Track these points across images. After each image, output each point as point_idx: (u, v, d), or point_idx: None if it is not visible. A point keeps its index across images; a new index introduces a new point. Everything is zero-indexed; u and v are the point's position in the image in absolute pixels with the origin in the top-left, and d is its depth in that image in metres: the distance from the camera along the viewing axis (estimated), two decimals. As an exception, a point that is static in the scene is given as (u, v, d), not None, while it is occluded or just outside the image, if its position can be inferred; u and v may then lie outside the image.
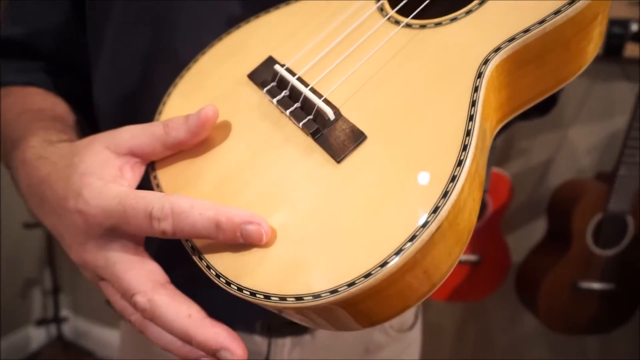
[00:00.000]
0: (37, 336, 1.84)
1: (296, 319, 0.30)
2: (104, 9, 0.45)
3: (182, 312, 0.29)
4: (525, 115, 0.52)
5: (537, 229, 1.31)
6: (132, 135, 0.34)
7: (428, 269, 0.28)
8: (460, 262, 1.23)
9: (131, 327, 0.55)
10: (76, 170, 0.33)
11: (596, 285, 1.17)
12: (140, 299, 0.30)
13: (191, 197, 0.30)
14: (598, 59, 1.31)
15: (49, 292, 1.82)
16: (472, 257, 1.24)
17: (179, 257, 0.34)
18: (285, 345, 0.53)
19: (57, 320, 1.82)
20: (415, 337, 0.64)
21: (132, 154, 0.34)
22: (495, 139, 0.35)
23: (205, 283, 0.31)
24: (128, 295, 0.30)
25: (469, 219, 0.29)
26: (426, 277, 0.28)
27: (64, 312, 1.89)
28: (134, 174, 0.34)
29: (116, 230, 0.31)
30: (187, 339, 0.29)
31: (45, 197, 0.34)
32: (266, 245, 0.29)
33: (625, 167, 1.09)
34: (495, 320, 1.47)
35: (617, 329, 1.24)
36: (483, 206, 1.20)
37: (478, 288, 1.28)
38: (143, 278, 0.30)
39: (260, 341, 0.53)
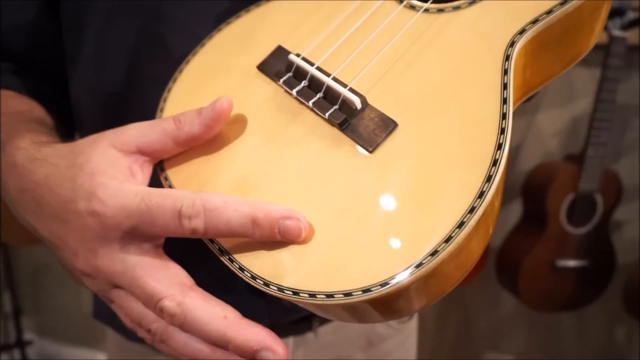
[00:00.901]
0: (1, 363, 1.73)
1: (331, 315, 0.29)
2: (84, 2, 0.42)
3: (217, 314, 0.27)
4: None
5: (512, 212, 1.35)
6: (140, 132, 0.31)
7: (469, 253, 0.27)
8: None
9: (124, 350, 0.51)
10: (83, 171, 0.30)
11: (572, 263, 1.21)
12: (168, 304, 0.27)
13: (223, 194, 0.28)
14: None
15: (10, 316, 1.72)
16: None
17: (187, 261, 0.32)
18: (288, 344, 0.52)
19: (21, 344, 1.72)
20: (413, 327, 0.64)
21: (141, 152, 0.32)
22: None
23: (215, 286, 0.30)
24: (154, 301, 0.28)
25: (499, 201, 0.29)
26: (466, 261, 0.28)
27: (28, 335, 1.78)
28: (144, 174, 0.32)
29: (136, 232, 0.29)
30: (224, 343, 0.27)
31: (43, 202, 0.31)
32: (304, 242, 0.28)
33: (593, 147, 1.14)
34: (475, 305, 1.50)
35: (590, 304, 1.29)
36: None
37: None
38: (169, 281, 0.28)
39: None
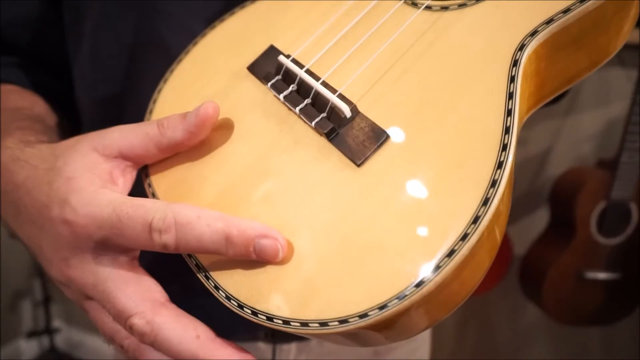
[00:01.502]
0: (29, 349, 1.80)
1: (315, 339, 0.27)
2: (79, 3, 0.42)
3: (189, 333, 0.26)
4: None
5: (539, 219, 1.30)
6: (123, 135, 0.30)
7: (462, 281, 0.25)
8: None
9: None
10: (60, 174, 0.29)
11: (601, 275, 1.15)
12: (138, 322, 0.26)
13: (198, 206, 0.26)
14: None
15: (40, 303, 1.78)
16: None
17: (175, 266, 0.31)
18: (290, 351, 0.51)
19: (49, 331, 1.78)
20: (425, 337, 0.62)
21: (123, 156, 0.30)
22: None
23: (205, 291, 0.28)
24: (123, 317, 0.27)
25: (504, 221, 0.26)
26: (462, 288, 0.25)
27: (56, 323, 1.85)
28: (125, 179, 0.31)
29: (108, 243, 0.28)
30: None
31: (21, 205, 0.31)
32: (282, 262, 0.26)
33: (627, 153, 1.08)
34: (497, 313, 1.46)
35: (621, 320, 1.23)
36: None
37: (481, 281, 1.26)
38: (140, 297, 0.27)
39: (264, 348, 0.51)
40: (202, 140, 0.31)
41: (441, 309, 0.25)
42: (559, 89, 0.31)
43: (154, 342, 0.26)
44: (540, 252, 1.22)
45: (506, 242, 1.26)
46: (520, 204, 1.35)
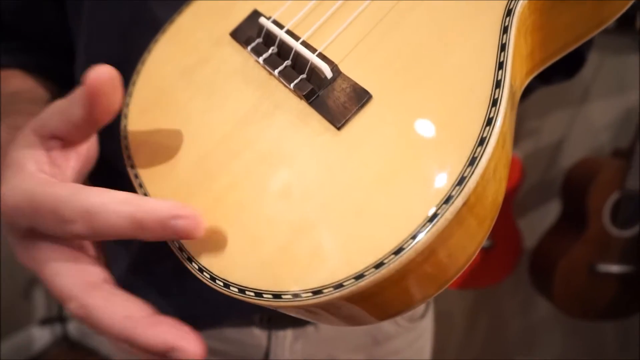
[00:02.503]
0: (42, 336, 1.82)
1: (295, 315, 0.26)
2: None
3: (118, 313, 0.25)
4: (549, 80, 0.47)
5: (550, 211, 1.27)
6: (51, 113, 0.28)
7: (452, 252, 0.23)
8: (471, 248, 1.20)
9: None
10: (4, 161, 0.29)
11: (614, 268, 1.12)
12: (72, 306, 0.25)
13: (107, 191, 0.25)
14: (609, 31, 1.25)
15: (52, 291, 1.81)
16: (484, 242, 1.20)
17: (167, 247, 0.30)
18: (286, 337, 0.50)
19: (62, 319, 1.81)
20: (426, 326, 0.60)
21: (54, 136, 0.29)
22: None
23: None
24: (63, 302, 0.26)
25: (498, 191, 0.24)
26: (450, 260, 0.23)
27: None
28: (68, 160, 0.29)
29: (37, 231, 0.27)
30: (129, 343, 0.25)
31: None
32: (256, 231, 0.25)
33: (643, 142, 1.04)
34: (508, 306, 1.44)
35: (635, 314, 1.20)
36: (493, 189, 1.16)
37: (490, 274, 1.24)
38: (73, 280, 0.26)
39: (259, 334, 0.50)
40: (175, 109, 0.30)
41: (428, 282, 0.24)
42: (564, 48, 0.29)
43: (91, 326, 0.26)
44: (551, 244, 1.20)
45: (516, 234, 1.23)
46: (532, 195, 1.32)
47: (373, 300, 0.23)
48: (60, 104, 0.28)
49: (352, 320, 0.25)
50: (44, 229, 0.26)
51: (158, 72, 0.34)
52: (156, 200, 0.24)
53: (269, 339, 0.50)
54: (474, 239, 0.24)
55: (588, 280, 1.14)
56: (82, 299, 0.25)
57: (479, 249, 0.25)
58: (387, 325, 0.55)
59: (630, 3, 0.29)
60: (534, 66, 0.28)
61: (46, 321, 1.80)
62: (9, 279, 1.69)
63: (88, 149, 0.30)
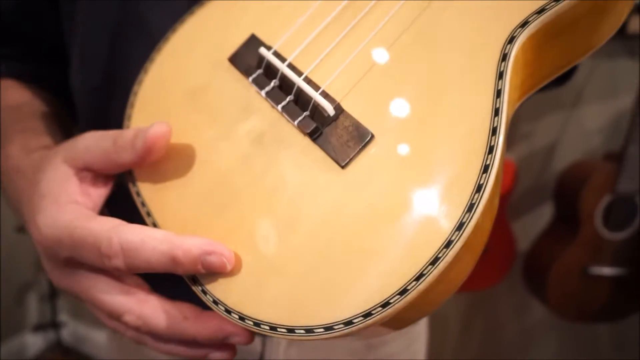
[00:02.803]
0: (35, 342, 1.81)
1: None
2: None
3: (176, 317, 0.28)
4: (542, 87, 0.48)
5: (544, 214, 1.28)
6: (86, 147, 0.31)
7: (450, 281, 0.24)
8: (465, 251, 1.20)
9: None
10: (37, 191, 0.31)
11: (607, 271, 1.13)
12: (129, 318, 0.29)
13: (145, 229, 0.27)
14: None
15: (46, 297, 1.79)
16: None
17: None
18: (280, 343, 0.50)
19: (55, 325, 1.80)
20: (420, 330, 0.61)
21: (88, 169, 0.31)
22: None
23: (186, 287, 0.29)
24: (115, 317, 0.29)
25: (492, 218, 0.25)
26: (447, 288, 0.25)
27: (62, 317, 1.86)
28: (97, 188, 0.31)
29: (76, 260, 0.29)
30: (191, 341, 0.29)
31: (22, 217, 0.33)
32: (270, 267, 0.26)
33: (634, 145, 1.05)
34: (503, 309, 1.44)
35: (629, 316, 1.21)
36: (487, 192, 1.16)
37: (484, 277, 1.25)
38: (124, 295, 0.29)
39: (254, 341, 0.50)
40: (179, 134, 0.31)
41: (428, 307, 0.25)
42: (552, 74, 0.30)
43: (149, 332, 0.29)
44: (545, 247, 1.21)
45: (510, 237, 1.24)
46: (525, 199, 1.33)
47: (375, 329, 0.24)
48: (100, 141, 0.30)
49: (363, 339, 0.26)
50: (84, 260, 0.28)
51: (156, 96, 0.34)
52: (190, 238, 0.26)
53: (264, 344, 0.50)
54: (469, 266, 0.26)
55: (581, 282, 1.14)
56: (138, 310, 0.28)
57: (473, 268, 0.26)
58: (381, 330, 0.55)
59: (615, 31, 0.30)
60: (524, 93, 0.29)
61: (39, 327, 1.79)
62: (1, 285, 1.68)
63: (113, 177, 0.32)
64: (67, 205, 0.29)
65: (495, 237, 1.22)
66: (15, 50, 0.46)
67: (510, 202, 1.23)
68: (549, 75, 0.30)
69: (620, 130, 1.22)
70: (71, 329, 1.87)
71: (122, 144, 0.30)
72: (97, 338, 1.83)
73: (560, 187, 1.20)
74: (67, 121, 0.44)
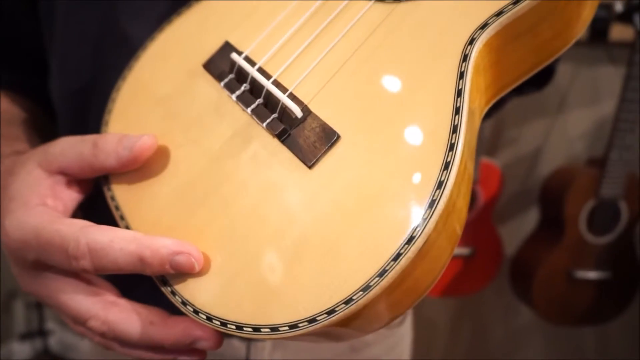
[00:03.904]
0: (22, 351, 1.79)
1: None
2: None
3: (142, 322, 0.28)
4: (520, 90, 0.49)
5: (530, 219, 1.29)
6: (62, 152, 0.31)
7: (419, 277, 0.25)
8: (453, 256, 1.20)
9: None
10: (6, 194, 0.30)
11: (591, 274, 1.14)
12: (94, 324, 0.28)
13: (113, 229, 0.27)
14: (583, 43, 1.28)
15: (33, 305, 1.77)
16: (464, 250, 1.21)
17: None
18: (265, 347, 0.50)
19: (43, 333, 1.78)
20: (405, 332, 0.61)
21: (62, 172, 0.31)
22: (482, 128, 0.31)
23: (155, 287, 0.29)
24: (81, 322, 0.29)
25: (459, 218, 0.26)
26: (416, 284, 0.25)
27: (50, 325, 1.84)
28: (70, 191, 0.31)
29: (43, 262, 0.29)
30: (158, 345, 0.28)
31: None
32: (234, 266, 0.26)
33: (616, 150, 1.07)
34: (490, 313, 1.45)
35: (614, 319, 1.22)
36: (473, 197, 1.17)
37: (472, 281, 1.26)
38: (91, 300, 0.29)
39: (238, 345, 0.50)
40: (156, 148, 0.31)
41: (396, 306, 0.26)
42: (520, 77, 0.31)
43: (114, 338, 0.28)
44: (530, 252, 1.22)
45: (496, 242, 1.25)
46: (511, 203, 1.34)
47: (341, 329, 0.25)
48: (77, 145, 0.30)
49: (333, 340, 0.27)
50: (51, 263, 0.28)
51: (133, 102, 0.35)
52: (159, 239, 0.26)
53: (248, 350, 0.50)
54: (437, 265, 0.26)
55: (566, 286, 1.15)
56: (104, 316, 0.28)
57: (447, 264, 0.27)
58: (365, 333, 0.56)
59: (576, 39, 0.30)
60: (492, 96, 0.30)
61: (26, 336, 1.77)
62: (-13, 294, 1.66)
63: (88, 182, 0.32)
64: (35, 208, 0.29)
65: (482, 242, 1.23)
66: None
67: (496, 207, 1.25)
68: (517, 78, 0.30)
69: (603, 135, 1.24)
70: (58, 337, 1.85)
71: (103, 149, 0.30)
72: (85, 346, 1.81)
73: (544, 193, 1.21)
74: (46, 128, 0.44)
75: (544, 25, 0.28)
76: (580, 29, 0.30)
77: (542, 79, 0.49)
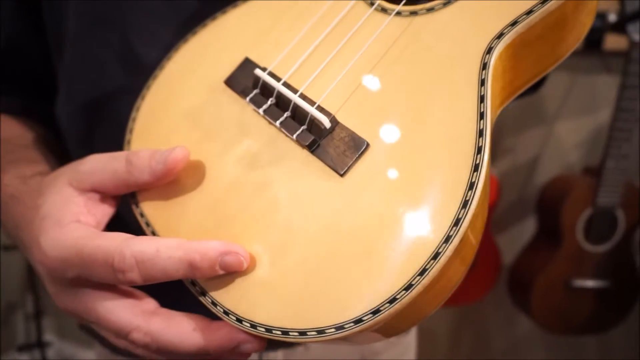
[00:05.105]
0: (20, 363, 1.78)
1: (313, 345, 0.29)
2: (59, 14, 0.42)
3: (186, 330, 0.28)
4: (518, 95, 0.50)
5: (527, 228, 1.30)
6: (94, 170, 0.31)
7: (450, 278, 0.26)
8: (452, 265, 1.21)
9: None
10: (38, 214, 0.31)
11: (590, 283, 1.15)
12: (136, 336, 0.28)
13: (155, 239, 0.27)
14: (578, 53, 1.29)
15: (31, 317, 1.77)
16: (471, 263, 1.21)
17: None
18: (277, 358, 0.51)
19: (41, 345, 1.76)
20: (410, 341, 0.62)
21: (95, 190, 0.31)
22: None
23: (192, 299, 0.29)
24: (123, 336, 0.29)
25: (484, 217, 0.27)
26: (445, 287, 0.26)
27: (48, 337, 1.83)
28: (103, 207, 0.32)
29: (83, 279, 0.29)
30: (203, 352, 0.28)
31: (21, 243, 0.33)
32: (272, 274, 0.27)
33: (612, 160, 1.08)
34: (490, 323, 1.45)
35: (614, 328, 1.22)
36: (471, 207, 1.18)
37: (470, 291, 1.25)
38: (131, 313, 0.29)
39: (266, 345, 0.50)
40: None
41: (431, 305, 0.27)
42: (528, 82, 0.32)
43: (159, 349, 0.28)
44: (528, 261, 1.22)
45: (495, 252, 1.25)
46: (509, 212, 1.34)
47: (383, 328, 0.25)
48: (109, 163, 0.30)
49: (369, 342, 0.28)
50: (95, 278, 0.28)
51: (154, 120, 0.35)
52: (204, 242, 0.27)
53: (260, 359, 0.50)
54: (465, 262, 0.27)
55: (565, 295, 1.16)
56: (146, 327, 0.28)
57: (469, 267, 0.28)
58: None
59: (579, 42, 0.32)
60: (504, 100, 0.31)
61: (25, 347, 1.75)
62: (-14, 305, 1.65)
63: (118, 197, 0.32)
64: (70, 225, 0.29)
65: (480, 251, 1.23)
66: (4, 85, 0.47)
67: (494, 217, 1.25)
68: (525, 82, 0.32)
69: (599, 144, 1.25)
70: (57, 349, 1.84)
71: (137, 164, 0.30)
72: (83, 357, 1.81)
73: (541, 202, 1.22)
74: (59, 151, 0.45)
75: (553, 32, 0.30)
76: (583, 34, 0.32)
77: (537, 82, 0.50)
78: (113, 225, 0.33)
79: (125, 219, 0.33)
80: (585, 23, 0.32)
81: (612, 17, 1.07)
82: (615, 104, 1.07)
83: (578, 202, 1.11)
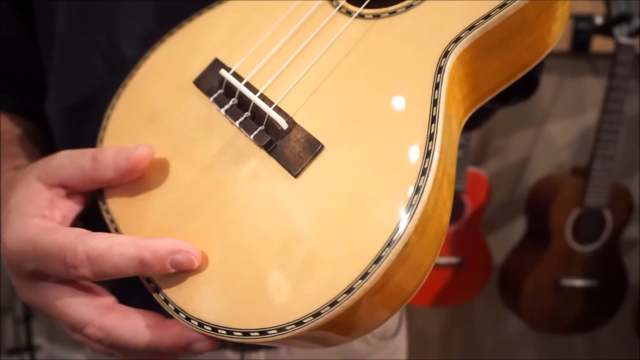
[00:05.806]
0: (10, 367, 1.76)
1: (269, 344, 0.29)
2: (49, 13, 0.42)
3: (139, 326, 0.28)
4: (506, 101, 0.50)
5: (517, 228, 1.30)
6: (62, 165, 0.31)
7: (398, 284, 0.26)
8: (442, 266, 1.21)
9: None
10: (5, 207, 0.31)
11: (578, 283, 1.16)
12: (90, 330, 0.28)
13: (110, 235, 0.28)
14: (565, 55, 1.30)
15: (21, 320, 1.75)
16: (453, 260, 1.22)
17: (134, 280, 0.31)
18: (259, 358, 0.51)
19: (31, 348, 1.75)
20: (399, 344, 0.62)
21: (62, 185, 0.32)
22: (469, 138, 0.33)
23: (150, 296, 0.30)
24: (78, 330, 0.29)
25: (440, 224, 0.27)
26: (394, 293, 0.26)
27: (38, 340, 1.81)
28: (69, 203, 0.32)
29: (41, 272, 0.29)
30: (155, 349, 0.28)
31: None
32: (222, 273, 0.27)
33: (599, 160, 1.09)
34: (481, 322, 1.45)
35: (602, 326, 1.23)
36: (461, 207, 1.18)
37: (461, 291, 1.26)
38: (87, 307, 0.29)
39: (232, 356, 0.51)
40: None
41: (382, 309, 0.26)
42: (497, 87, 0.32)
43: (112, 344, 0.29)
44: (517, 261, 1.22)
45: (485, 251, 1.26)
46: (498, 213, 1.35)
47: (328, 331, 0.25)
48: (77, 159, 0.31)
49: (323, 344, 0.28)
50: (50, 272, 0.28)
51: (127, 119, 0.36)
52: (156, 240, 0.27)
53: (242, 350, 0.50)
54: (420, 270, 0.27)
55: (554, 295, 1.16)
56: (100, 322, 0.28)
57: (430, 270, 0.28)
58: (358, 345, 0.56)
59: (548, 52, 0.32)
60: (471, 105, 0.31)
61: (14, 351, 1.74)
62: (-25, 309, 1.63)
63: (87, 194, 0.33)
64: (32, 219, 0.30)
65: (470, 252, 1.24)
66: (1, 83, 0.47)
67: (484, 217, 1.26)
68: (493, 88, 0.32)
69: (587, 144, 1.26)
70: (47, 352, 1.83)
71: (102, 161, 0.30)
72: (74, 361, 1.79)
73: (530, 202, 1.23)
74: (47, 147, 0.45)
75: (515, 38, 0.30)
76: (552, 42, 0.32)
77: (527, 89, 0.50)
78: (96, 222, 0.33)
79: (101, 217, 0.34)
80: (553, 31, 0.31)
81: (599, 20, 1.08)
82: (602, 105, 1.08)
83: (566, 203, 1.12)
